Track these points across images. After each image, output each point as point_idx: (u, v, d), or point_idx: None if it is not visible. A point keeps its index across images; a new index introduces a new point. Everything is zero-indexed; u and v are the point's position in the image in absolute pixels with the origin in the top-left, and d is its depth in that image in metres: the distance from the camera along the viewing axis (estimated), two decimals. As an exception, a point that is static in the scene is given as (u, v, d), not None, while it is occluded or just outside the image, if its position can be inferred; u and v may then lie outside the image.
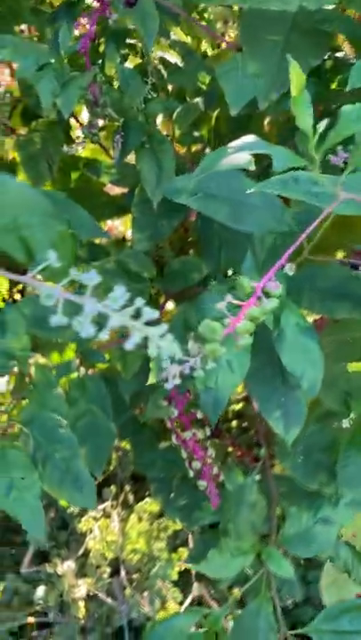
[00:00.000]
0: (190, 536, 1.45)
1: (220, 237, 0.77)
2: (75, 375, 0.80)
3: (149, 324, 0.27)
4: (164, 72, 0.91)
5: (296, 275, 0.62)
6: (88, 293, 0.27)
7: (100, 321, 0.29)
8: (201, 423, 0.85)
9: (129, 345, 0.27)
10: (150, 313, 0.27)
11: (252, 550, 0.76)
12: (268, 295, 0.40)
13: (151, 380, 0.64)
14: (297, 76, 0.42)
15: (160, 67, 0.91)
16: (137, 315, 0.28)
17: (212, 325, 0.37)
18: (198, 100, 0.88)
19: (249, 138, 0.40)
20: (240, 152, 0.39)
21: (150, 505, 1.54)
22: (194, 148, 1.02)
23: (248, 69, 0.68)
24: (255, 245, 0.60)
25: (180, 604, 1.33)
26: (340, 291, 0.64)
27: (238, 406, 1.63)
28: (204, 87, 0.89)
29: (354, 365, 0.90)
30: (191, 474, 0.79)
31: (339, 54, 0.81)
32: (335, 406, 0.83)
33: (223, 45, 0.96)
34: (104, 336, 0.27)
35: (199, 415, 0.80)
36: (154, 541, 1.43)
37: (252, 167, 0.38)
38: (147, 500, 1.55)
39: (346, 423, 0.82)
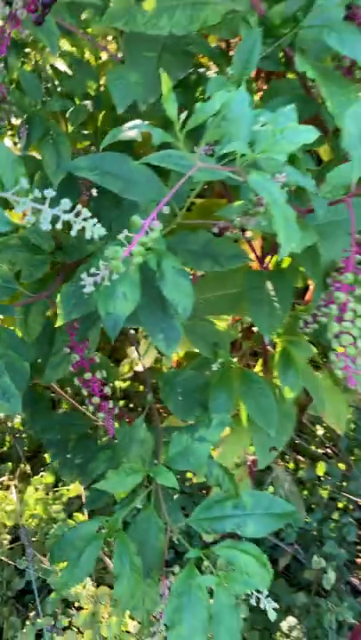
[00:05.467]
0: (84, 499, 1.59)
1: (111, 214, 0.94)
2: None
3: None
4: (55, 78, 1.07)
5: (173, 238, 0.81)
6: None
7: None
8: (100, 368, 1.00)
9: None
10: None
11: (143, 469, 0.92)
12: (151, 230, 0.57)
13: (59, 322, 0.79)
14: (166, 85, 0.60)
15: (51, 73, 1.07)
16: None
17: (115, 249, 0.54)
18: (87, 102, 1.05)
19: (137, 122, 0.58)
20: (132, 130, 0.56)
21: (46, 478, 1.66)
22: (82, 145, 1.18)
23: (130, 78, 0.86)
24: (140, 213, 0.78)
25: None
26: (204, 250, 0.83)
27: (125, 384, 1.80)
28: (91, 92, 1.06)
29: (219, 320, 1.11)
30: (91, 409, 0.94)
31: (201, 70, 1.01)
32: (207, 354, 1.03)
33: (105, 55, 1.14)
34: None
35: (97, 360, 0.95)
36: (51, 506, 1.55)
37: (140, 139, 0.55)
38: (42, 473, 1.67)
39: (215, 367, 1.01)
